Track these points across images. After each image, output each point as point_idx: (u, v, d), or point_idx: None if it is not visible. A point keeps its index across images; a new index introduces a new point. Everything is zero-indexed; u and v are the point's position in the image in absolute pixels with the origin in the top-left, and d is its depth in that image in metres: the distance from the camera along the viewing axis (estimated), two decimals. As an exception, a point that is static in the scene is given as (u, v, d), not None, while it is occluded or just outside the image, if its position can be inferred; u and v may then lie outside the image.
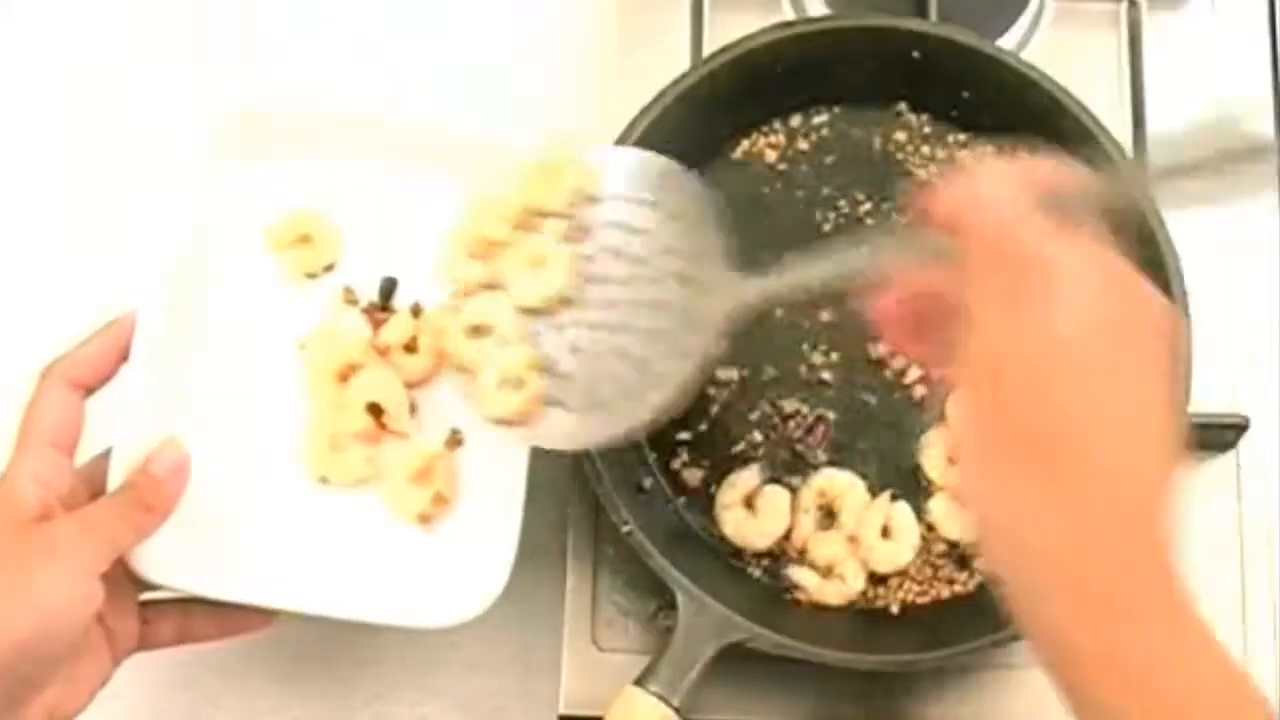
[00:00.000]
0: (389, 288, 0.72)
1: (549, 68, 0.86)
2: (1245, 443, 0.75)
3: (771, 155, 0.78)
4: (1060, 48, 0.82)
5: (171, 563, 0.66)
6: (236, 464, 0.70)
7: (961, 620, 0.71)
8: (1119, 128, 0.77)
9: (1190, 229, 0.73)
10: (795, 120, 0.78)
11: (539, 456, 0.68)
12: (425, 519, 0.69)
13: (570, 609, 0.74)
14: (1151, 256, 0.71)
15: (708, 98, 0.75)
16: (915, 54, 0.75)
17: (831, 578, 0.72)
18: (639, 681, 0.66)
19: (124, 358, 0.67)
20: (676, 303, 0.65)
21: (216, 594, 0.67)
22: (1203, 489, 0.75)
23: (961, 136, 0.78)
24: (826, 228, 0.77)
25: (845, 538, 0.72)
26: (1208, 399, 0.74)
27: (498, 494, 0.68)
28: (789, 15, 0.83)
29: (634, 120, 0.73)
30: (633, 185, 0.67)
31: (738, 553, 0.73)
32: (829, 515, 0.73)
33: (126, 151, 0.85)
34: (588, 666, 0.73)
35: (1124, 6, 0.83)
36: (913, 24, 0.76)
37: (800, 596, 0.72)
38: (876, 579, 0.72)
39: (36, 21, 0.88)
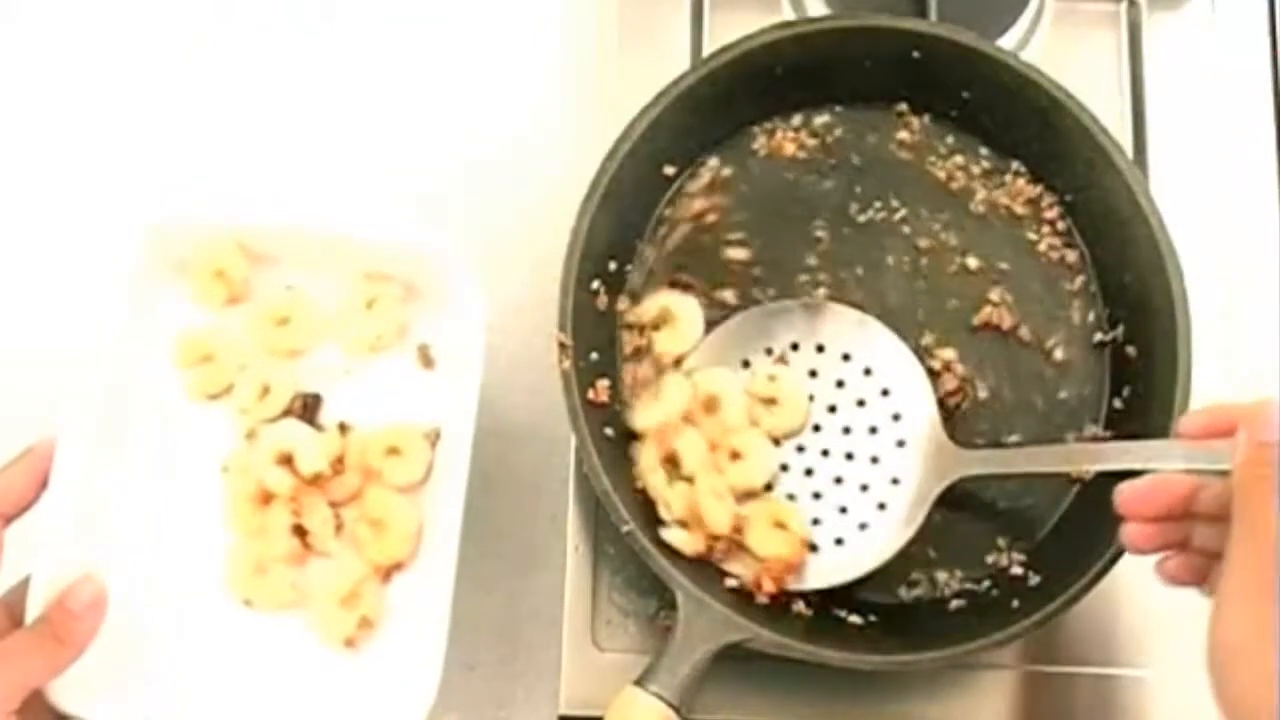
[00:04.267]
0: (314, 404, 0.72)
1: (549, 68, 0.86)
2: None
3: (770, 156, 0.78)
4: (1060, 48, 0.82)
5: (89, 693, 0.65)
6: (158, 589, 0.69)
7: (961, 620, 0.71)
8: (1119, 128, 0.77)
9: (1190, 229, 0.73)
10: (795, 120, 0.78)
11: (538, 456, 0.68)
12: (351, 642, 0.68)
13: (570, 609, 0.74)
14: (1151, 257, 0.71)
15: (708, 98, 0.75)
16: (915, 54, 0.75)
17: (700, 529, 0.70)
18: (639, 681, 0.65)
19: (43, 485, 0.66)
20: (893, 463, 0.70)
21: None
22: (1202, 489, 0.75)
23: (961, 137, 0.78)
24: (823, 229, 0.77)
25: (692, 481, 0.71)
26: (1208, 399, 0.74)
27: (423, 618, 0.66)
28: (789, 15, 0.83)
29: (634, 120, 0.73)
30: (839, 339, 0.72)
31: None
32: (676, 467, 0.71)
33: (44, 261, 0.83)
34: (588, 666, 0.73)
35: (1124, 6, 0.83)
36: (913, 24, 0.76)
37: (740, 582, 0.70)
38: (876, 578, 0.72)
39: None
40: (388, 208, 0.82)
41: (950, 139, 0.77)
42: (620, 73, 0.81)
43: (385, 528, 0.69)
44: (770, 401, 0.72)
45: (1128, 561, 0.67)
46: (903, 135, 0.78)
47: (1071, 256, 0.76)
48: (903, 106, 0.78)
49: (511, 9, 0.87)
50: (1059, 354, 0.75)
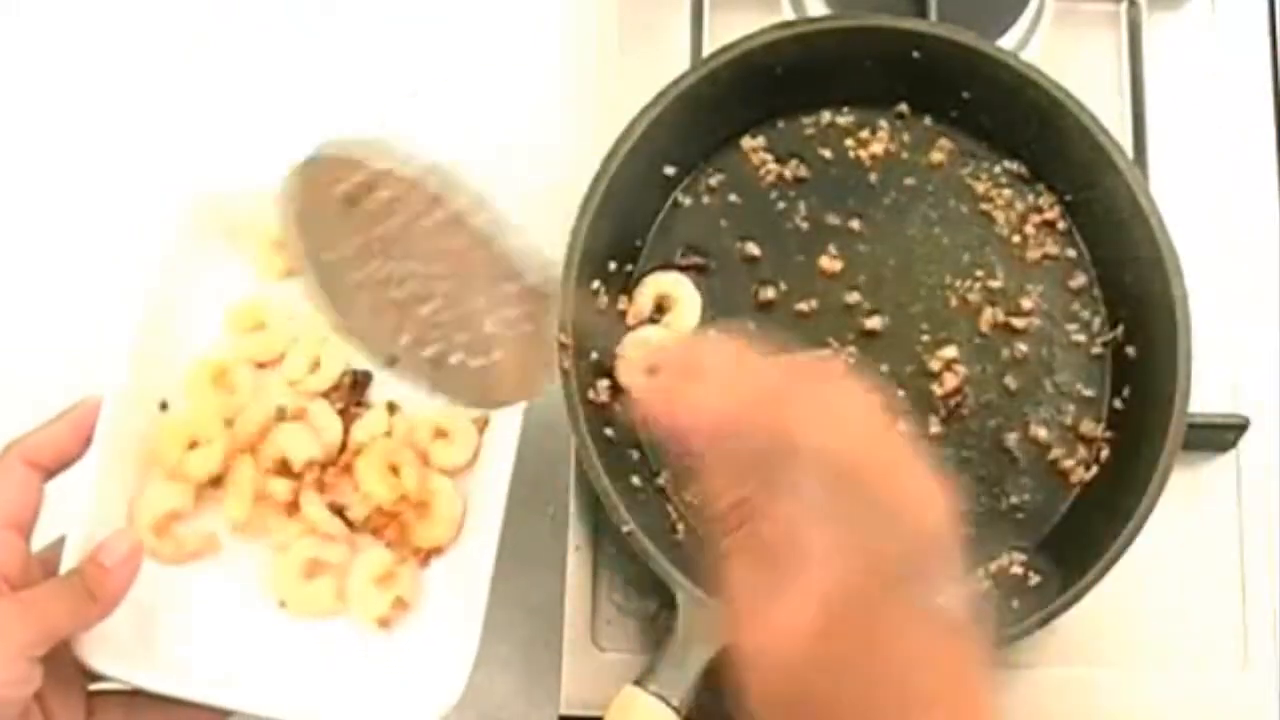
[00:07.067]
0: (364, 381, 0.71)
1: (549, 68, 0.86)
2: (1245, 443, 0.75)
3: (771, 156, 0.78)
4: (1060, 48, 0.82)
5: (117, 652, 0.64)
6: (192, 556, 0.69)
7: (961, 620, 0.71)
8: (1119, 128, 0.77)
9: (1190, 229, 0.73)
10: (795, 121, 0.78)
11: (541, 455, 0.68)
12: (385, 622, 0.68)
13: (570, 609, 0.74)
14: (1151, 257, 0.71)
15: (708, 98, 0.75)
16: (915, 54, 0.75)
17: None
18: (639, 681, 0.65)
19: (88, 442, 0.65)
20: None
21: (161, 688, 0.65)
22: (1203, 489, 0.75)
23: (962, 137, 0.78)
24: (822, 230, 0.77)
25: None
26: (1208, 399, 0.74)
27: (460, 604, 0.66)
28: (789, 15, 0.83)
29: (634, 120, 0.73)
30: None
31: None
32: None
33: (92, 226, 0.83)
34: (588, 666, 0.73)
35: (1124, 6, 0.83)
36: (913, 24, 0.75)
37: None
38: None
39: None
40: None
41: (950, 139, 0.77)
42: (620, 73, 0.81)
43: (428, 510, 0.69)
44: None
45: (1128, 561, 0.68)
46: (901, 136, 0.78)
47: (1071, 256, 0.76)
48: (903, 106, 0.78)
49: (511, 9, 0.87)
50: (1059, 354, 0.75)
